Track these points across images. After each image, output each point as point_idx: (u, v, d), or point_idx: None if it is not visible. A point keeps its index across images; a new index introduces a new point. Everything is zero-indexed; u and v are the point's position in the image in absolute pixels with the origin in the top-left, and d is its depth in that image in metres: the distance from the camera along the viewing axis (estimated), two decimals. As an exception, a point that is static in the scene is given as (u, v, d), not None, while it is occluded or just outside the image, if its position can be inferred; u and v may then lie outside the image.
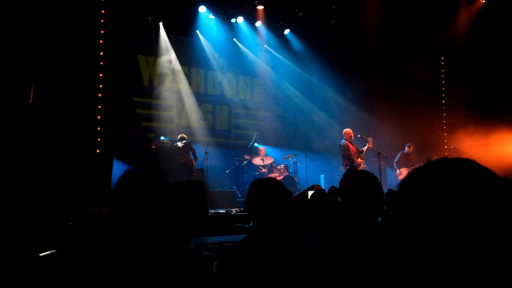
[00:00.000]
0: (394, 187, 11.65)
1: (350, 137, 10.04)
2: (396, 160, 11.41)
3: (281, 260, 2.06)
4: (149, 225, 2.07)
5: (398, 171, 11.39)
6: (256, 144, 12.42)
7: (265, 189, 2.17)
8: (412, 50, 12.52)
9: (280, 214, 2.16)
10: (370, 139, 9.96)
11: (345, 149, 9.93)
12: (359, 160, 9.90)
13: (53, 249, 4.50)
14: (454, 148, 11.53)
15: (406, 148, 11.45)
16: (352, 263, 2.30)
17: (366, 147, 9.98)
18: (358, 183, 2.60)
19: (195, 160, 10.41)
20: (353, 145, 10.04)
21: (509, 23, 11.48)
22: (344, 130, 10.17)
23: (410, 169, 11.07)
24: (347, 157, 9.90)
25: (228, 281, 2.01)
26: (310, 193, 5.98)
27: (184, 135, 10.52)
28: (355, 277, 2.23)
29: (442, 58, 13.76)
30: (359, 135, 10.20)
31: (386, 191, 7.00)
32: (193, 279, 2.05)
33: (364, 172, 2.70)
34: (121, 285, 1.93)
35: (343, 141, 10.04)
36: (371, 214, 2.54)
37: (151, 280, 1.91)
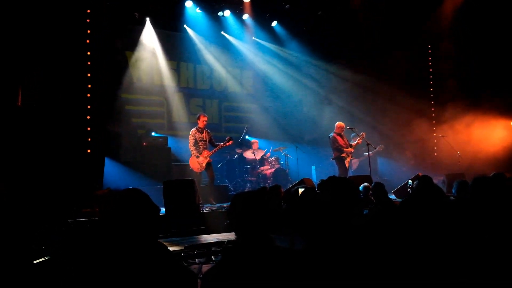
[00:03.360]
0: (384, 176, 11.84)
1: (341, 130, 10.20)
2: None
3: (265, 271, 2.13)
4: (136, 243, 2.16)
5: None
6: (247, 137, 12.49)
7: (245, 205, 2.25)
8: (399, 39, 12.60)
9: (260, 228, 2.23)
10: (363, 134, 10.12)
11: (333, 141, 10.14)
12: (349, 149, 10.05)
13: (47, 256, 4.58)
14: (442, 136, 11.68)
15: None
16: (335, 261, 2.42)
17: (356, 142, 10.15)
18: (335, 188, 2.81)
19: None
20: (342, 138, 10.19)
21: (493, 11, 11.56)
22: (337, 123, 10.30)
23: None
24: (336, 149, 10.12)
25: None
26: (300, 190, 6.08)
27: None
28: (340, 274, 2.35)
29: (429, 46, 13.82)
30: (348, 127, 10.33)
31: (373, 184, 7.14)
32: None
33: (342, 178, 2.88)
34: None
35: (332, 134, 10.23)
36: (349, 211, 2.75)
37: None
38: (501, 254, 2.57)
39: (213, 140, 9.38)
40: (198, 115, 9.39)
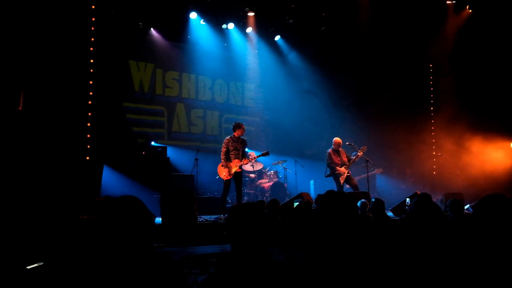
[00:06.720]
0: (382, 193, 11.81)
1: (338, 146, 10.15)
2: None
3: (261, 283, 2.12)
4: (129, 249, 2.14)
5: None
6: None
7: (243, 217, 2.24)
8: (401, 58, 12.69)
9: (258, 240, 2.22)
10: (363, 148, 10.03)
11: (327, 157, 10.17)
12: (341, 169, 9.97)
13: (41, 261, 4.54)
14: (440, 155, 11.69)
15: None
16: (333, 274, 2.40)
17: (355, 156, 10.08)
18: (333, 203, 2.78)
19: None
20: (337, 155, 10.12)
21: (495, 32, 11.65)
22: (334, 138, 10.27)
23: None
24: (328, 166, 10.12)
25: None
26: (295, 204, 6.08)
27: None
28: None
29: (431, 65, 13.90)
30: (347, 143, 10.30)
31: (373, 199, 7.13)
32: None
33: (340, 193, 2.86)
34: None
35: (328, 149, 10.22)
36: (347, 226, 2.72)
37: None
38: (501, 275, 2.54)
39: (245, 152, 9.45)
40: (238, 124, 9.26)
